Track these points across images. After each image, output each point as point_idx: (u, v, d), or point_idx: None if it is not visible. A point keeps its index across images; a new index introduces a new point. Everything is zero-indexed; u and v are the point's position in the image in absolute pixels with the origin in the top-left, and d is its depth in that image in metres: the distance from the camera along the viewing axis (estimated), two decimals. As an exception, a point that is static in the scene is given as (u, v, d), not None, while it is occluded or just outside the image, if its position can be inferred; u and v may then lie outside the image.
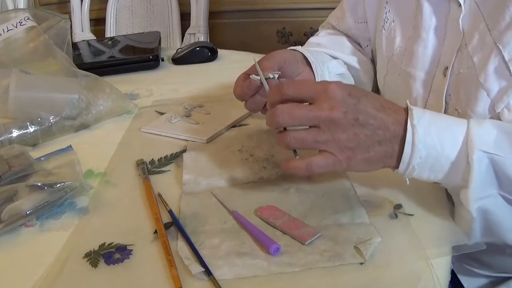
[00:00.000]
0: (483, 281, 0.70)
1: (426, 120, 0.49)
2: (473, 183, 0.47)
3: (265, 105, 0.64)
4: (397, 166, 0.50)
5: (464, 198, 0.48)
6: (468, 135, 0.48)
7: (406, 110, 0.50)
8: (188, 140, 0.73)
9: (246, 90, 0.63)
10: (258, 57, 0.66)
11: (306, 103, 0.50)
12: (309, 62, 0.71)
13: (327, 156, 0.49)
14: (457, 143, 0.48)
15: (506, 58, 0.54)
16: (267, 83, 0.60)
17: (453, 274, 0.69)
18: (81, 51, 1.18)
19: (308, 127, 0.49)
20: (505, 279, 0.67)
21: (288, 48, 0.73)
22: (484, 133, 0.48)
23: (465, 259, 0.69)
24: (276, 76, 0.62)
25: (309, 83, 0.53)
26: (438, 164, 0.49)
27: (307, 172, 0.50)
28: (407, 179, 0.51)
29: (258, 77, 0.61)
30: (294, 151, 0.53)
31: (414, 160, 0.48)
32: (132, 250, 0.51)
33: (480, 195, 0.48)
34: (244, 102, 0.65)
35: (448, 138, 0.48)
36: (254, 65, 0.63)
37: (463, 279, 0.70)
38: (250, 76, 0.62)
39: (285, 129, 0.51)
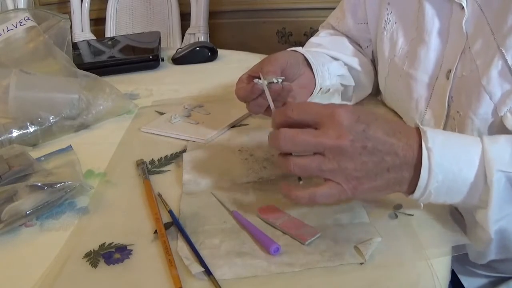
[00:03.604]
0: (483, 281, 0.69)
1: (439, 141, 0.46)
2: (493, 204, 0.45)
3: (267, 107, 0.63)
4: (409, 191, 0.48)
5: (483, 220, 0.47)
6: (484, 155, 0.46)
7: (418, 132, 0.47)
8: (188, 140, 0.73)
9: (249, 93, 0.63)
10: (256, 57, 0.66)
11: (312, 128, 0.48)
12: (310, 64, 0.70)
13: (332, 186, 0.47)
14: (473, 164, 0.46)
15: (509, 62, 0.53)
16: (271, 87, 0.60)
17: (453, 274, 0.69)
18: (81, 51, 1.18)
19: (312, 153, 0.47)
20: (505, 279, 0.67)
21: (289, 49, 0.72)
22: (500, 151, 0.46)
23: (465, 259, 0.69)
24: (280, 80, 0.61)
25: (315, 106, 0.49)
26: (455, 186, 0.46)
27: (310, 202, 0.48)
28: (422, 204, 0.50)
29: (264, 82, 0.60)
30: (299, 177, 0.51)
31: (432, 184, 0.46)
32: (132, 250, 0.51)
33: (498, 216, 0.46)
34: (245, 103, 0.65)
35: (464, 159, 0.46)
36: (256, 66, 0.63)
37: (463, 279, 0.70)
38: (254, 80, 0.61)
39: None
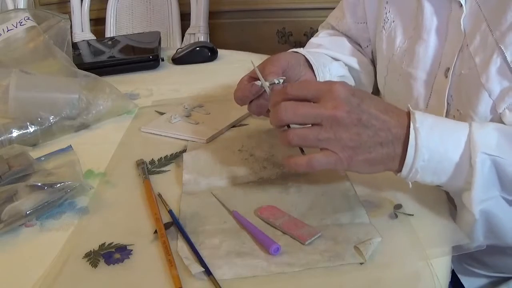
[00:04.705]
0: (483, 281, 0.70)
1: (428, 123, 0.49)
2: (476, 185, 0.47)
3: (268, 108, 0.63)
4: (399, 169, 0.50)
5: (467, 201, 0.48)
6: (470, 138, 0.48)
7: (409, 114, 0.50)
8: (188, 140, 0.73)
9: (248, 93, 0.63)
10: (257, 57, 0.66)
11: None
12: (311, 64, 0.70)
13: (328, 154, 0.50)
14: (459, 146, 0.48)
15: (509, 59, 0.54)
16: (273, 88, 0.60)
17: (453, 274, 0.69)
18: (81, 51, 1.18)
19: (310, 125, 0.50)
20: (505, 279, 0.67)
21: (290, 50, 0.72)
22: (486, 136, 0.48)
23: (465, 259, 0.69)
24: (281, 81, 0.61)
25: (313, 82, 0.54)
26: (441, 167, 0.49)
27: (308, 168, 0.50)
28: (410, 183, 0.51)
29: (266, 83, 0.60)
30: (302, 150, 0.53)
31: (417, 163, 0.49)
32: (132, 250, 0.51)
33: (483, 197, 0.48)
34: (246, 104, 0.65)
35: (450, 141, 0.48)
36: (258, 67, 0.63)
37: (463, 279, 0.70)
38: (256, 82, 0.61)
39: (288, 128, 0.51)
